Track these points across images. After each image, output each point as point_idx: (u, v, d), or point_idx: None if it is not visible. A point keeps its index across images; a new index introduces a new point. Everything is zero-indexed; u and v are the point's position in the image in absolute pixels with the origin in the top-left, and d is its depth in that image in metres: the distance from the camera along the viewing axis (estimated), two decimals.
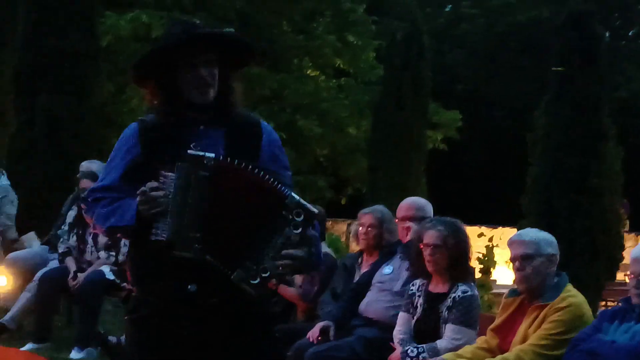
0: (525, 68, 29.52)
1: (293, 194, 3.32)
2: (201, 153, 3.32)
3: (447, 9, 35.22)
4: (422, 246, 5.50)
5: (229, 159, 3.34)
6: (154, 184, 3.32)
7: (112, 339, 7.53)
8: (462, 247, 5.49)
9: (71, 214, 8.60)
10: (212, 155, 3.32)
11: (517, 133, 24.20)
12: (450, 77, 29.80)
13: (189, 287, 3.39)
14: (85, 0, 13.08)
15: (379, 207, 6.78)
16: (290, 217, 3.29)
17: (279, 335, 6.12)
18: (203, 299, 3.40)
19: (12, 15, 14.50)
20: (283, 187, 3.33)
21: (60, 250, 8.56)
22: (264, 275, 3.28)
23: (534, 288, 4.96)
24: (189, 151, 3.33)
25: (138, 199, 3.32)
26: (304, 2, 23.26)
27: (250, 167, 3.33)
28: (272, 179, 3.33)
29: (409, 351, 5.29)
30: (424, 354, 5.22)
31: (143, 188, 3.31)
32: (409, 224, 6.21)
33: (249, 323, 3.51)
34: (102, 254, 8.25)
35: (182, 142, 3.42)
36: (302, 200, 3.32)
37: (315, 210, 3.36)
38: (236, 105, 3.63)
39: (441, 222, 5.56)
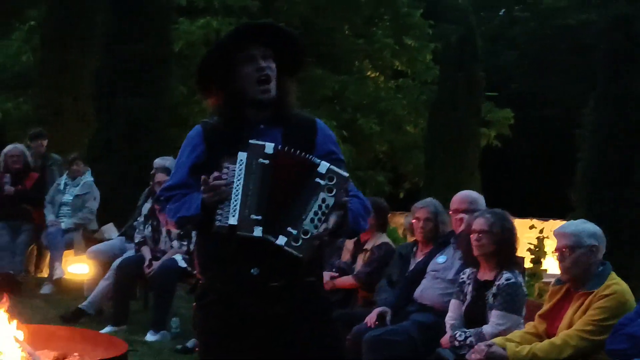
0: (574, 68, 29.19)
1: (324, 162, 3.37)
2: (261, 142, 3.37)
3: (500, 13, 34.93)
4: (471, 234, 5.49)
5: (285, 147, 3.38)
6: (216, 174, 3.36)
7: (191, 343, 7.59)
8: (507, 235, 5.47)
9: (146, 207, 8.72)
10: (272, 144, 3.37)
11: (566, 130, 23.95)
12: (503, 77, 29.55)
13: (252, 270, 3.42)
14: (159, 9, 13.20)
15: (432, 201, 6.77)
16: (324, 182, 3.34)
17: (337, 318, 6.15)
18: (265, 282, 3.43)
19: (93, 22, 14.70)
20: (315, 158, 3.38)
21: (136, 240, 8.69)
22: (304, 237, 3.31)
23: (574, 277, 4.94)
24: (250, 141, 3.38)
25: (202, 188, 3.37)
26: (363, 8, 23.25)
27: (300, 151, 3.38)
28: (303, 153, 3.38)
29: (457, 335, 5.29)
30: (471, 338, 5.21)
31: (205, 177, 3.35)
32: (461, 215, 6.19)
33: (309, 305, 3.52)
34: (175, 243, 8.36)
35: (243, 140, 3.45)
36: (332, 167, 3.36)
37: (346, 174, 3.38)
38: (293, 106, 3.66)
39: (489, 212, 5.56)
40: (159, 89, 13.07)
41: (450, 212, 6.42)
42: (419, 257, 6.49)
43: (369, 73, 23.97)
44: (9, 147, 10.45)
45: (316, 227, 3.32)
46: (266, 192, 3.34)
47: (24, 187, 10.20)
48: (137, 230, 8.77)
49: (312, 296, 3.56)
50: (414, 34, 23.94)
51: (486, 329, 5.23)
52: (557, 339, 4.81)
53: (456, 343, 5.25)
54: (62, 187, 10.40)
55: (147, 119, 12.78)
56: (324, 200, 3.34)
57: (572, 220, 5.24)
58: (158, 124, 13.01)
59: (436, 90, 20.57)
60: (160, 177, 8.42)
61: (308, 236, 3.32)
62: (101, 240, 9.89)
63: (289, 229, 3.32)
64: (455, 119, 18.52)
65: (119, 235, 9.62)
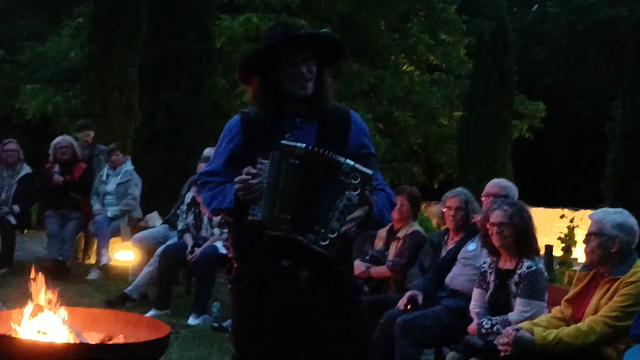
0: (605, 62, 28.98)
1: (348, 160, 3.37)
2: (292, 143, 3.38)
3: (533, 9, 34.70)
4: (488, 226, 5.48)
5: (315, 148, 3.39)
6: (251, 170, 3.38)
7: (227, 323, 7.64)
8: (526, 224, 5.45)
9: (189, 196, 8.77)
10: (302, 145, 3.38)
11: (597, 122, 23.80)
12: (536, 71, 29.38)
13: (283, 262, 3.46)
14: (201, 6, 13.23)
15: (463, 190, 6.75)
16: (348, 181, 3.35)
17: (369, 305, 6.17)
18: (295, 273, 3.47)
19: (137, 19, 14.79)
20: (339, 156, 3.38)
21: (179, 228, 8.75)
22: (331, 236, 3.34)
23: (592, 262, 4.93)
24: (282, 141, 3.39)
25: (236, 186, 3.41)
26: (399, 4, 23.20)
27: (328, 151, 3.38)
28: (331, 153, 3.38)
29: (483, 323, 5.29)
30: (498, 326, 5.21)
31: (240, 177, 3.38)
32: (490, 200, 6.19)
33: (338, 294, 3.55)
34: (216, 230, 8.41)
35: (279, 133, 3.49)
36: (356, 165, 3.36)
37: (370, 172, 3.38)
38: (329, 99, 3.67)
39: (506, 204, 5.52)
40: (200, 83, 13.11)
41: (483, 198, 6.41)
42: (450, 245, 6.47)
43: (404, 67, 23.92)
44: (58, 139, 10.56)
45: (342, 225, 3.35)
46: (295, 191, 3.37)
47: (72, 177, 10.30)
48: (180, 218, 8.83)
49: (341, 285, 3.59)
50: (449, 29, 23.89)
51: (512, 316, 5.21)
52: (582, 325, 4.79)
53: (483, 330, 5.25)
54: (104, 177, 10.48)
55: (189, 112, 12.83)
56: (349, 199, 3.36)
57: (603, 208, 5.19)
58: (200, 116, 13.05)
59: (469, 83, 20.48)
60: (201, 166, 8.47)
61: (335, 235, 3.35)
62: (145, 228, 9.96)
63: (317, 227, 3.35)
64: (488, 112, 18.42)
65: (162, 223, 9.68)
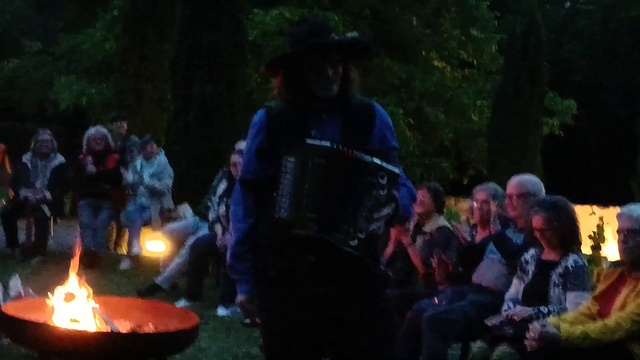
0: (637, 60, 28.74)
1: (375, 159, 3.37)
2: (318, 142, 3.38)
3: (566, 6, 34.48)
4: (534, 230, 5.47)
5: (340, 146, 3.38)
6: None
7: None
8: (567, 223, 5.41)
9: (222, 187, 8.81)
10: (327, 144, 3.37)
11: (628, 120, 23.63)
12: (568, 68, 29.20)
13: (309, 257, 3.47)
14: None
15: (491, 184, 6.71)
16: (376, 180, 3.35)
17: (397, 299, 6.18)
18: (321, 268, 3.47)
19: (171, 13, 14.86)
20: (367, 156, 3.37)
21: (210, 219, 8.80)
22: (360, 235, 3.35)
23: (632, 260, 4.88)
24: (307, 140, 3.39)
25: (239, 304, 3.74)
26: (431, 0, 23.14)
27: (353, 150, 3.37)
28: (357, 152, 3.37)
29: (541, 308, 5.24)
30: (554, 313, 5.16)
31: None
32: (514, 200, 6.14)
33: (363, 286, 3.56)
34: None
35: (305, 128, 3.51)
36: (383, 164, 3.37)
37: (396, 171, 3.39)
38: (354, 95, 3.67)
39: (545, 206, 5.47)
40: (233, 76, 13.15)
41: (506, 200, 6.34)
42: (478, 240, 6.46)
43: (435, 63, 23.83)
44: (91, 130, 10.65)
45: (370, 224, 3.36)
46: (321, 190, 3.35)
47: (105, 168, 10.38)
48: (211, 210, 8.87)
49: (367, 277, 3.59)
50: (480, 25, 23.77)
51: (568, 306, 5.19)
52: (610, 321, 4.77)
53: (541, 315, 5.18)
54: (138, 168, 10.55)
55: (221, 105, 12.88)
56: (376, 198, 3.36)
57: (637, 204, 5.13)
58: (231, 109, 13.10)
59: (500, 80, 20.38)
60: (234, 158, 8.52)
61: (363, 234, 3.36)
62: (176, 219, 10.02)
63: (345, 227, 3.35)
64: (519, 108, 18.31)
65: (193, 215, 9.74)
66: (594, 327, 4.77)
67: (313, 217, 3.35)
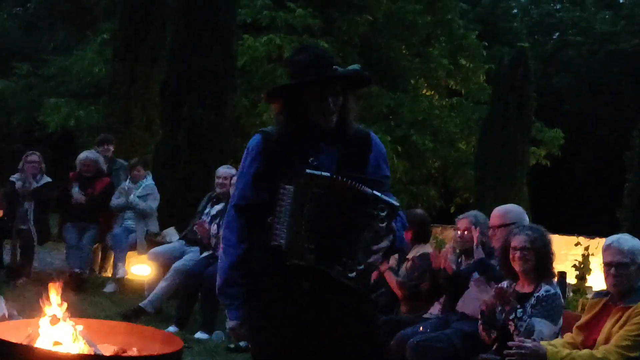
0: (626, 92, 28.93)
1: (375, 192, 3.38)
2: (318, 172, 3.38)
3: (554, 37, 34.68)
4: (510, 250, 5.48)
5: (340, 177, 3.40)
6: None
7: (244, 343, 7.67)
8: (547, 249, 5.46)
9: (216, 208, 8.83)
10: (327, 174, 3.38)
11: (615, 151, 23.72)
12: (556, 99, 29.35)
13: (304, 284, 3.48)
14: (225, 24, 13.29)
15: (474, 212, 6.76)
16: (376, 213, 3.37)
17: (383, 324, 6.19)
18: (316, 295, 3.48)
19: (161, 36, 14.90)
20: (367, 189, 3.39)
21: (198, 236, 8.85)
22: (359, 268, 3.36)
23: (620, 292, 4.90)
24: (307, 170, 3.40)
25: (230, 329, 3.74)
26: (420, 28, 23.24)
27: (352, 181, 3.39)
28: (359, 184, 3.39)
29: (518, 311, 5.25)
30: (526, 323, 5.18)
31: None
32: (497, 231, 6.17)
33: (355, 314, 3.57)
34: None
35: (302, 155, 3.52)
36: (384, 197, 3.39)
37: (397, 204, 3.42)
38: (352, 124, 3.69)
39: (529, 228, 5.54)
40: (222, 101, 13.16)
41: (490, 231, 6.36)
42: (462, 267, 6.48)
43: (424, 91, 23.93)
44: (83, 154, 10.67)
45: (369, 256, 3.37)
46: (320, 221, 3.36)
47: (94, 191, 10.38)
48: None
49: (360, 305, 3.61)
50: (469, 54, 23.90)
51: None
52: (597, 352, 4.77)
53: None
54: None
55: (210, 129, 12.87)
56: (376, 231, 3.37)
57: (624, 235, 5.15)
58: (220, 134, 13.09)
59: (488, 109, 20.47)
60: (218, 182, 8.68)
61: (362, 266, 3.37)
62: (162, 243, 10.01)
63: (344, 259, 3.36)
64: (506, 138, 18.39)
65: (179, 239, 9.74)
66: (581, 354, 4.78)
67: (311, 248, 3.36)
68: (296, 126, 3.61)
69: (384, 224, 3.38)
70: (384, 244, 3.41)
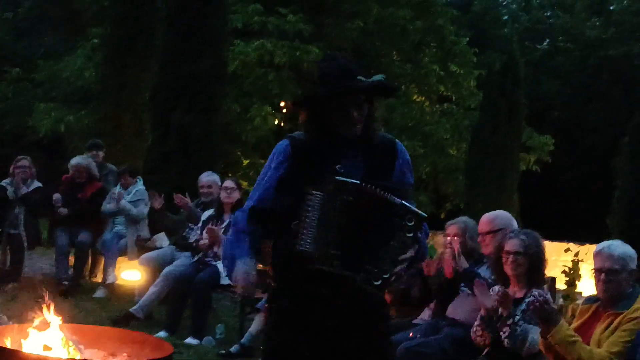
0: (615, 98, 29.02)
1: (404, 202, 3.41)
2: (347, 180, 3.40)
3: (544, 43, 34.77)
4: (503, 254, 5.49)
5: (368, 184, 3.42)
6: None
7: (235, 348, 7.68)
8: (540, 255, 5.47)
9: (206, 213, 8.85)
10: (357, 182, 3.40)
11: (605, 158, 23.80)
12: (546, 105, 29.43)
13: (322, 290, 3.50)
14: (215, 30, 13.29)
15: (463, 218, 6.76)
16: (403, 222, 3.39)
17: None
18: (334, 301, 3.52)
19: (152, 42, 14.89)
20: (396, 198, 3.43)
21: (190, 240, 8.82)
22: (385, 276, 3.39)
23: (611, 298, 4.92)
24: (336, 177, 3.42)
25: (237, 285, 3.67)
26: (412, 35, 23.28)
27: (381, 189, 3.42)
28: (387, 193, 3.42)
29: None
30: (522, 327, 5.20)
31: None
32: (486, 237, 6.19)
33: (370, 322, 3.62)
34: None
35: (329, 162, 3.54)
36: (412, 207, 3.42)
37: (424, 215, 3.47)
38: (378, 131, 3.72)
39: (523, 233, 5.55)
40: (212, 106, 13.14)
41: (479, 238, 6.37)
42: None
43: (414, 97, 23.96)
44: (75, 160, 10.66)
45: (395, 266, 3.40)
46: (347, 228, 3.38)
47: (85, 195, 10.37)
48: (193, 234, 8.88)
49: (377, 313, 3.66)
50: (460, 60, 23.93)
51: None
52: (595, 353, 4.78)
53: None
54: (116, 196, 10.53)
55: (200, 135, 12.86)
56: (403, 240, 3.41)
57: (615, 241, 5.17)
58: (211, 139, 13.07)
59: (478, 115, 20.49)
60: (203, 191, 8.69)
61: (387, 275, 3.39)
62: (153, 249, 9.99)
63: (369, 266, 3.39)
64: (496, 144, 18.39)
65: (169, 245, 9.73)
66: (584, 346, 4.79)
67: (337, 254, 3.37)
68: (322, 134, 3.63)
69: (410, 234, 3.41)
70: (410, 253, 3.44)
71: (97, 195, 10.48)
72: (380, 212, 3.41)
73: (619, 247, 5.01)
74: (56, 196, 10.31)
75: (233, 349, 7.60)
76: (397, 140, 3.80)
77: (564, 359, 4.83)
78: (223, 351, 7.67)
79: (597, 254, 5.01)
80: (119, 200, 10.32)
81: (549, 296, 4.91)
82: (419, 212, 3.45)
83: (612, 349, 4.74)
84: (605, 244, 5.07)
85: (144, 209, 10.53)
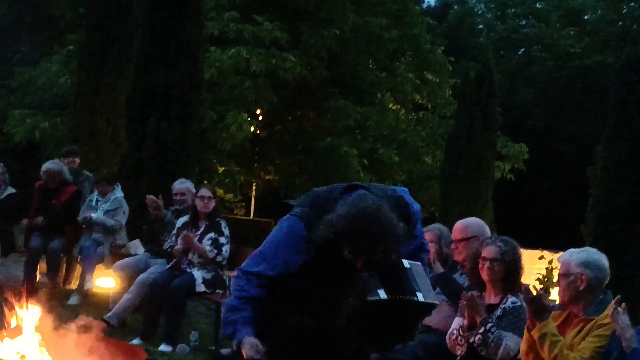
0: (590, 107, 29.25)
1: (426, 299, 3.77)
2: (376, 298, 3.62)
3: (519, 52, 35.00)
4: (480, 260, 5.52)
5: (396, 295, 3.65)
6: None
7: (226, 351, 7.68)
8: (517, 262, 5.51)
9: (181, 220, 8.83)
10: (386, 297, 3.62)
11: (579, 166, 23.93)
12: (521, 114, 29.63)
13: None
14: (191, 37, 13.27)
15: (437, 225, 6.81)
16: (422, 316, 4.03)
17: None
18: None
19: (127, 49, 14.85)
20: (421, 295, 3.74)
21: (165, 247, 8.84)
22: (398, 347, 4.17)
23: (564, 302, 5.00)
24: (369, 298, 3.61)
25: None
26: (388, 43, 23.36)
27: (407, 295, 3.70)
28: (411, 296, 3.73)
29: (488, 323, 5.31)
30: (495, 334, 5.23)
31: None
32: (458, 244, 6.23)
33: None
34: (208, 247, 8.41)
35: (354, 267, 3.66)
36: (427, 300, 3.77)
37: (437, 302, 3.88)
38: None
39: (501, 240, 5.59)
40: (188, 113, 13.12)
41: (452, 246, 6.41)
42: None
43: (390, 105, 24.05)
44: (47, 165, 10.59)
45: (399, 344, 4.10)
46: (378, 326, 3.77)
47: (59, 202, 10.32)
48: (167, 241, 8.86)
49: None
50: (435, 69, 24.04)
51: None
52: (570, 358, 4.82)
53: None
54: (93, 203, 10.50)
55: (176, 142, 12.83)
56: (418, 326, 4.12)
57: (574, 249, 5.23)
58: (187, 146, 13.05)
59: (453, 124, 20.58)
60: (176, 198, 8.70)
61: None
62: (127, 255, 9.96)
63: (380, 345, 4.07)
64: (471, 152, 18.48)
65: (145, 252, 9.70)
66: (563, 349, 4.84)
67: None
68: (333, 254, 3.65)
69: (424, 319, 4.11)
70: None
71: (72, 200, 10.41)
72: (406, 311, 3.75)
73: (567, 253, 5.13)
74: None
75: (224, 351, 7.65)
76: (405, 196, 4.11)
77: None
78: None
79: (560, 261, 5.11)
80: (95, 212, 10.28)
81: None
82: (434, 302, 3.83)
83: (585, 355, 4.77)
84: (567, 251, 5.15)
85: (122, 219, 10.50)
